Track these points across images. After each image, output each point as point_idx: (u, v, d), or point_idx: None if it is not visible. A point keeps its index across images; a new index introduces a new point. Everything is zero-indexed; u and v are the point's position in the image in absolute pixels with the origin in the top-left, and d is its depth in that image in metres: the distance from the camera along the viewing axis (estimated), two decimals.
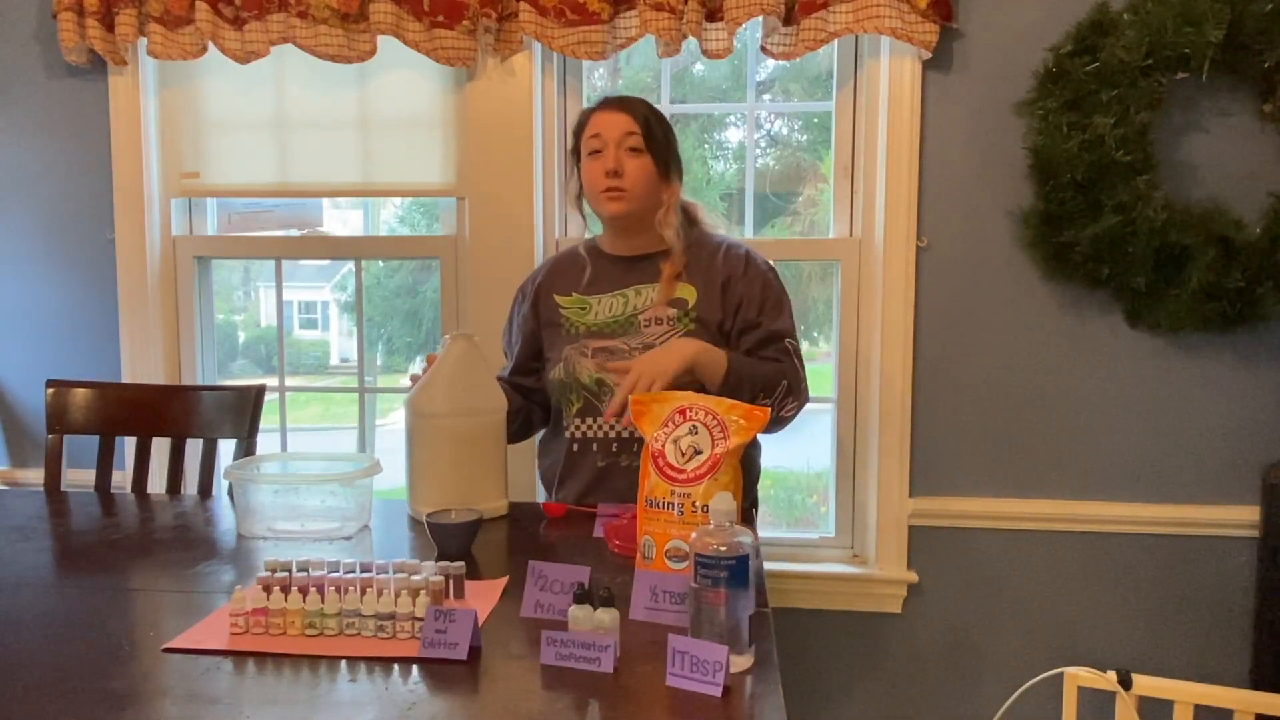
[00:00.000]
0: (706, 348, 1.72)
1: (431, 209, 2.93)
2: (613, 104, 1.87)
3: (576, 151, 1.90)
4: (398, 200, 3.07)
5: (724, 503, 1.14)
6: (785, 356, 1.81)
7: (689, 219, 1.93)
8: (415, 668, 1.12)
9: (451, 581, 1.28)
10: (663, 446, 1.36)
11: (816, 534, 2.48)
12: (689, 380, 1.69)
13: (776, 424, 1.77)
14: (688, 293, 1.84)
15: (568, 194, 1.99)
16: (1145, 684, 1.55)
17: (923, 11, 2.12)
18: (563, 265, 1.97)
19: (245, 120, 2.49)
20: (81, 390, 2.15)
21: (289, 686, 1.08)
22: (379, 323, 3.56)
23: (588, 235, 2.01)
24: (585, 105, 1.92)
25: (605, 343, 1.84)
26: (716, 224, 1.99)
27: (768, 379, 1.75)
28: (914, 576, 2.33)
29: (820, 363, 2.51)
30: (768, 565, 2.33)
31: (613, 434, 1.83)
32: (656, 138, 1.83)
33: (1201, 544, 2.26)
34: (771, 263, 1.91)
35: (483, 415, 1.72)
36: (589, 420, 1.84)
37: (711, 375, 1.72)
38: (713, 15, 2.16)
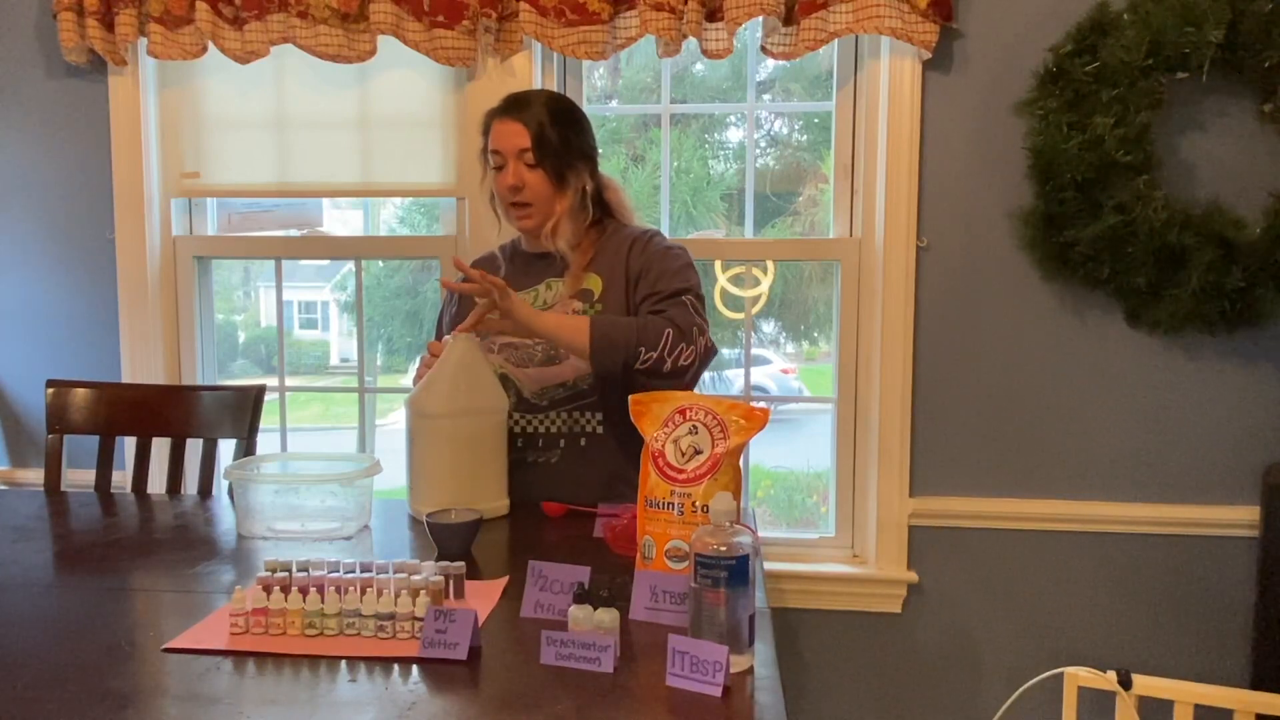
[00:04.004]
0: (561, 326, 1.72)
1: (431, 209, 2.93)
2: (510, 110, 1.85)
3: (486, 151, 1.90)
4: (398, 200, 3.07)
5: (724, 503, 1.14)
6: (679, 308, 1.76)
7: (605, 210, 1.94)
8: (415, 668, 1.12)
9: (451, 581, 1.28)
10: (663, 446, 1.36)
11: (816, 534, 2.48)
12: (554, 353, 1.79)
13: (675, 375, 1.71)
14: (594, 283, 1.85)
15: (482, 195, 1.98)
16: (1145, 684, 1.55)
17: (923, 11, 2.12)
18: (481, 266, 2.01)
19: (245, 120, 2.49)
20: (81, 390, 2.15)
21: (289, 686, 1.08)
22: (379, 323, 3.57)
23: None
24: (490, 110, 1.90)
25: (512, 337, 1.87)
26: (632, 209, 1.98)
27: (646, 332, 1.70)
28: (914, 576, 2.33)
29: (820, 363, 2.51)
30: (768, 565, 2.33)
31: (517, 429, 1.84)
32: (550, 146, 1.81)
33: (1201, 544, 2.26)
34: (683, 245, 1.90)
35: (483, 415, 1.72)
36: None
37: (574, 348, 1.72)
38: (713, 15, 2.16)
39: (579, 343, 1.71)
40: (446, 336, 1.77)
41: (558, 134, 1.82)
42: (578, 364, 1.81)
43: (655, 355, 1.69)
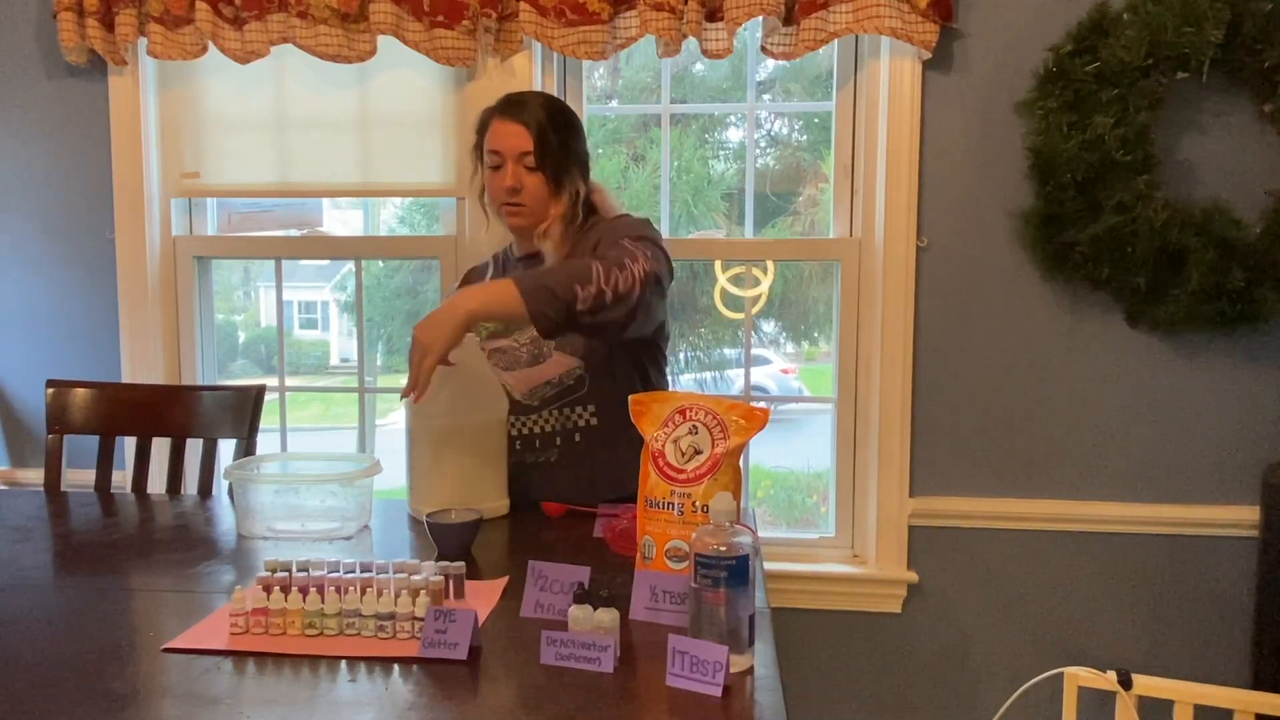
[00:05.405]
0: (485, 293, 1.63)
1: (431, 209, 2.93)
2: (511, 110, 1.84)
3: (480, 149, 1.89)
4: (398, 200, 3.07)
5: (724, 503, 1.14)
6: (611, 249, 1.70)
7: (590, 209, 1.93)
8: (415, 668, 1.12)
9: (451, 581, 1.28)
10: (663, 446, 1.36)
11: (816, 534, 2.48)
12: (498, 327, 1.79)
13: (620, 302, 1.62)
14: None
15: (472, 192, 1.98)
16: (1145, 684, 1.55)
17: (923, 11, 2.12)
18: (474, 272, 2.05)
19: (245, 120, 2.49)
20: (81, 390, 2.15)
21: (289, 686, 1.08)
22: (379, 323, 3.57)
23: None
24: (487, 108, 1.90)
25: (499, 341, 1.88)
26: (617, 207, 1.96)
27: (575, 271, 1.62)
28: (914, 576, 2.33)
29: (820, 363, 2.51)
30: (768, 565, 2.33)
31: (513, 432, 1.84)
32: (550, 150, 1.81)
33: (1201, 544, 2.26)
34: (647, 219, 1.87)
35: (483, 415, 1.72)
36: None
37: (508, 312, 1.61)
38: (713, 15, 2.16)
39: (514, 307, 1.61)
40: None
41: (558, 139, 1.83)
42: (562, 360, 1.81)
43: (594, 288, 1.60)
